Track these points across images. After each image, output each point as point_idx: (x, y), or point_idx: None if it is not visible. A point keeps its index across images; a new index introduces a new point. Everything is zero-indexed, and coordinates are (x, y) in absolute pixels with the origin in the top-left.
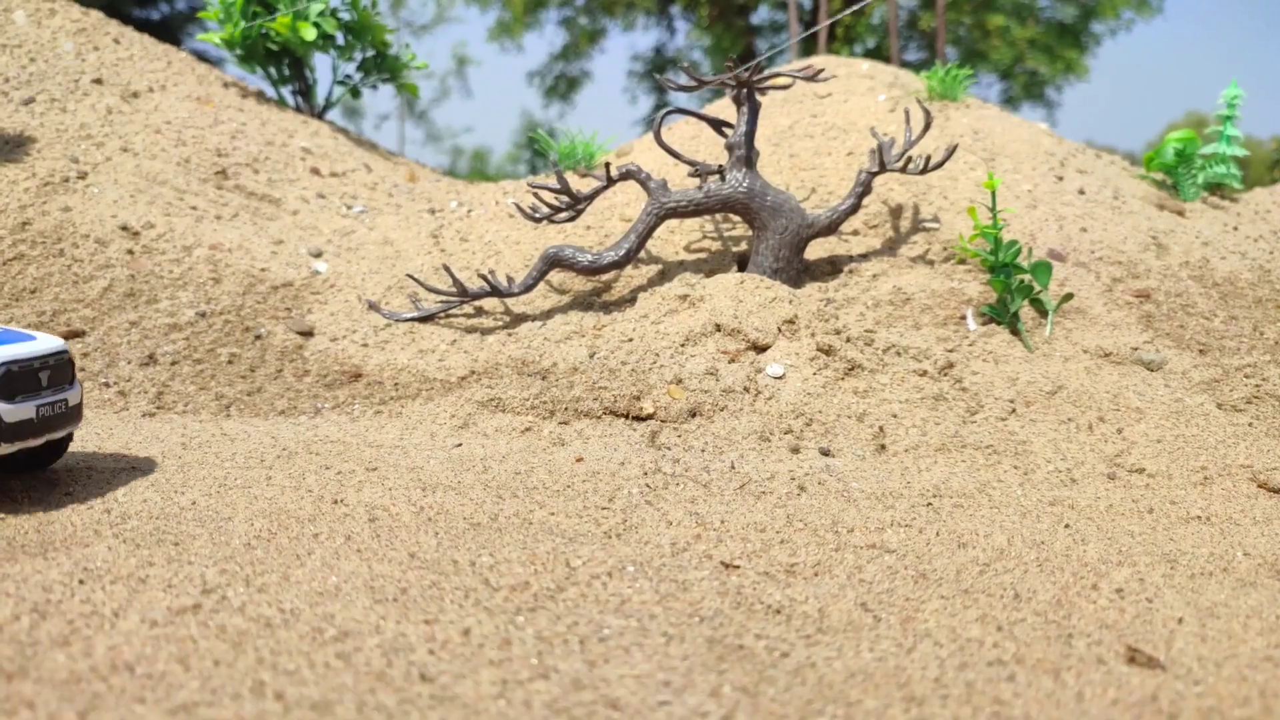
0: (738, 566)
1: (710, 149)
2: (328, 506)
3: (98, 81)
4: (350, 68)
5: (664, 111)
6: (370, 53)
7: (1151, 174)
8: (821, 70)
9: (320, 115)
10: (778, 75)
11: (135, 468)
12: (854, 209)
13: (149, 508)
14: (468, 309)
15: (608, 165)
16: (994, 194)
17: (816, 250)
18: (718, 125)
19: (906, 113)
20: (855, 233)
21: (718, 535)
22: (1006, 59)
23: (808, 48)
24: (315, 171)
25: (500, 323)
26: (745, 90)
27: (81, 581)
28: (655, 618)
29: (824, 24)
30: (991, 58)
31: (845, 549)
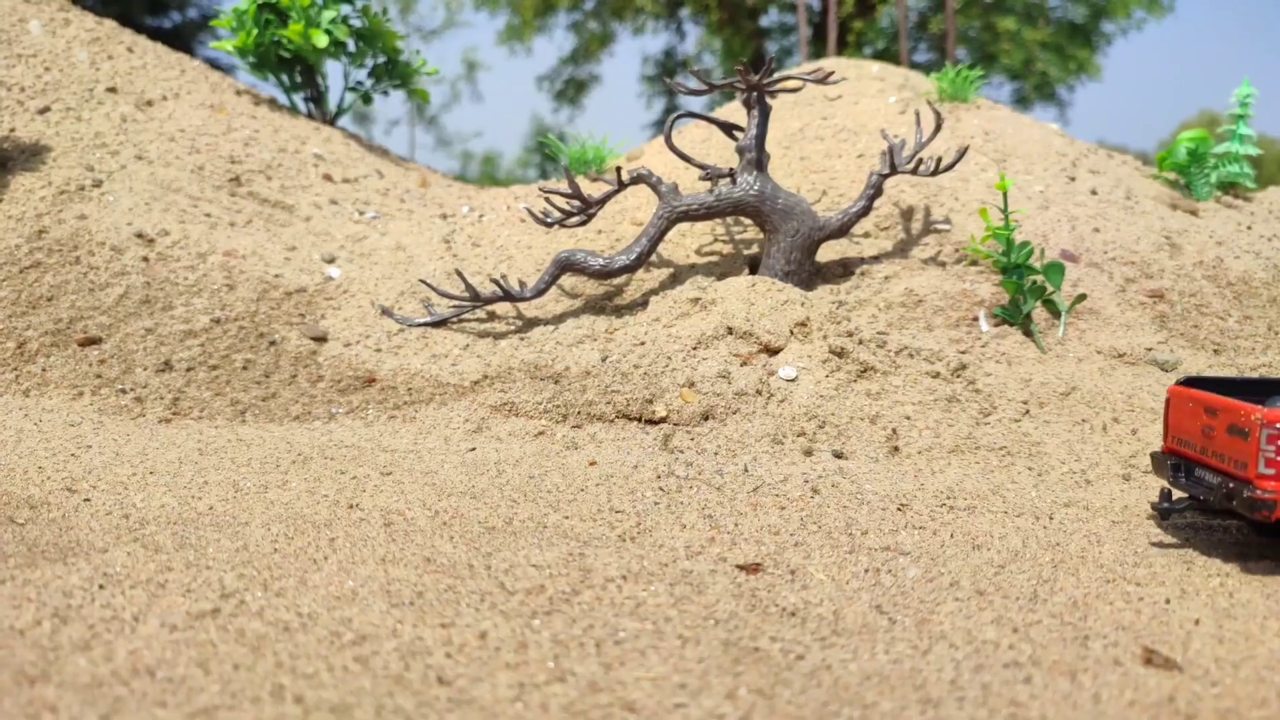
0: (753, 569)
1: (721, 153)
2: (343, 511)
3: (112, 90)
4: (361, 74)
5: (674, 115)
6: (381, 59)
7: (1164, 174)
8: (832, 73)
9: (332, 122)
10: (788, 78)
11: (153, 473)
12: (865, 211)
13: (167, 513)
14: (480, 313)
15: (619, 169)
16: (1005, 195)
17: (828, 252)
18: (728, 129)
19: (917, 114)
20: (867, 235)
21: (731, 538)
22: (1017, 62)
23: (817, 51)
24: (328, 178)
25: (512, 327)
26: (755, 93)
27: (101, 586)
28: (670, 620)
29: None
30: (1002, 61)
31: (859, 551)
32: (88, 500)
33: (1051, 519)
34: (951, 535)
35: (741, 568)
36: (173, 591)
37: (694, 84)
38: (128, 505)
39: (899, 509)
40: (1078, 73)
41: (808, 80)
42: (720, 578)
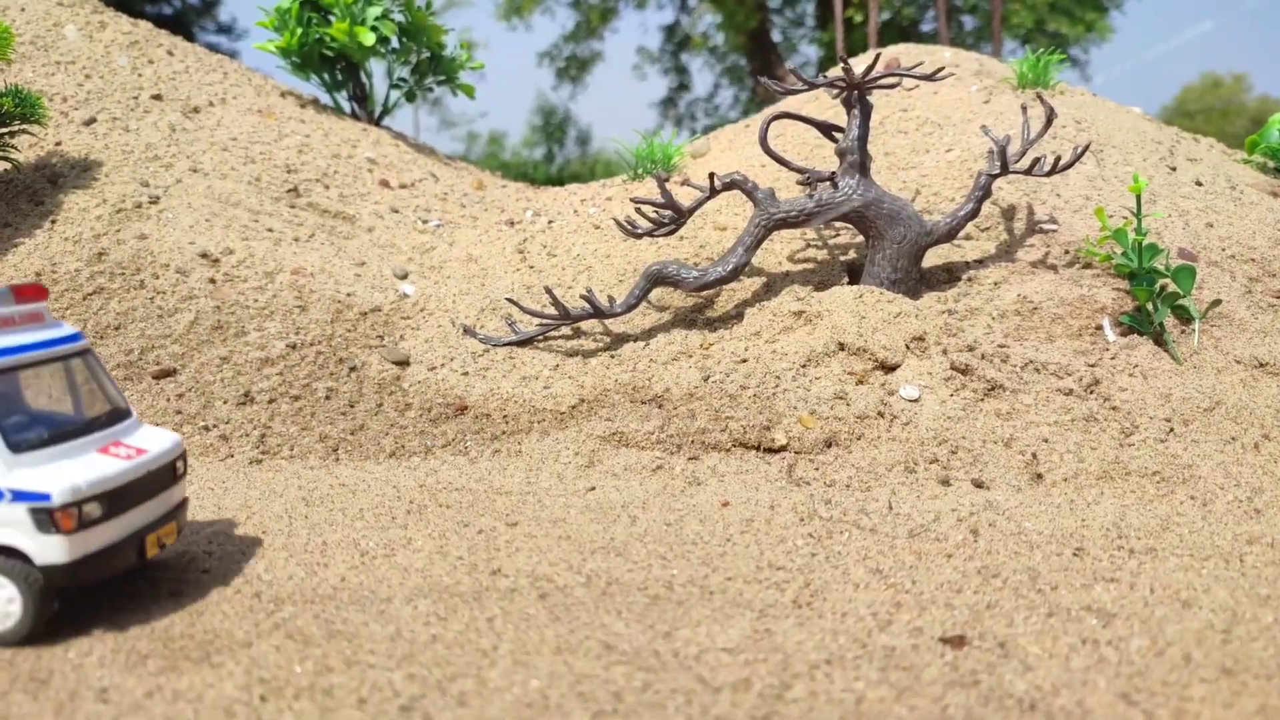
0: (958, 642)
1: (791, 146)
2: (487, 579)
3: (157, 97)
4: (405, 70)
5: (771, 116)
6: (425, 54)
7: (1254, 158)
8: (942, 69)
9: (377, 121)
10: (892, 75)
11: (265, 531)
12: (974, 214)
13: (298, 587)
14: (565, 330)
15: (712, 176)
16: (1139, 198)
17: (930, 257)
18: (827, 129)
19: (1024, 108)
20: (968, 237)
21: (915, 601)
22: (1028, 23)
23: (823, 20)
24: (385, 184)
25: (601, 344)
26: (856, 92)
27: (263, 698)
28: None
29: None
30: (1012, 22)
31: (1059, 613)
32: (206, 571)
33: (1243, 561)
34: (1151, 589)
35: (945, 641)
36: (345, 703)
37: (793, 83)
38: (252, 577)
39: (1074, 553)
40: (1087, 33)
41: (918, 78)
42: (927, 655)
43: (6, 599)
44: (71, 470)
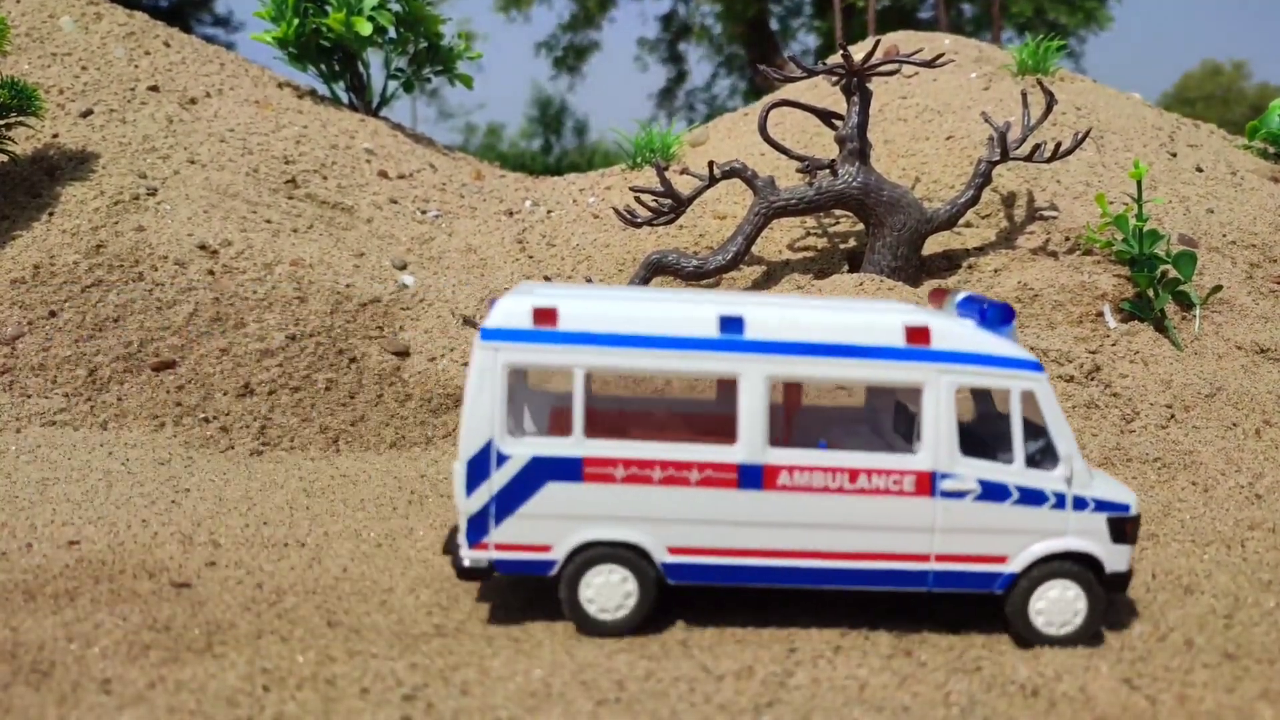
0: (960, 628)
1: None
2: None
3: (154, 89)
4: (402, 61)
5: (770, 104)
6: (423, 44)
7: (1255, 144)
8: (941, 55)
9: (375, 112)
10: (892, 62)
11: (265, 522)
12: (974, 201)
13: (299, 578)
14: None
15: (711, 164)
16: (1140, 184)
17: (931, 244)
18: (826, 117)
19: (1024, 95)
20: (968, 224)
21: None
22: (1026, 12)
23: (821, 9)
24: (383, 174)
25: None
26: (855, 79)
27: (266, 688)
28: (909, 710)
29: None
30: (1011, 10)
31: None
32: (211, 563)
33: (1244, 547)
34: (1153, 574)
35: (947, 627)
36: (348, 693)
37: (792, 70)
38: (254, 568)
39: None
40: (1087, 23)
41: (916, 64)
42: (932, 643)
43: (1073, 611)
44: (1110, 482)
